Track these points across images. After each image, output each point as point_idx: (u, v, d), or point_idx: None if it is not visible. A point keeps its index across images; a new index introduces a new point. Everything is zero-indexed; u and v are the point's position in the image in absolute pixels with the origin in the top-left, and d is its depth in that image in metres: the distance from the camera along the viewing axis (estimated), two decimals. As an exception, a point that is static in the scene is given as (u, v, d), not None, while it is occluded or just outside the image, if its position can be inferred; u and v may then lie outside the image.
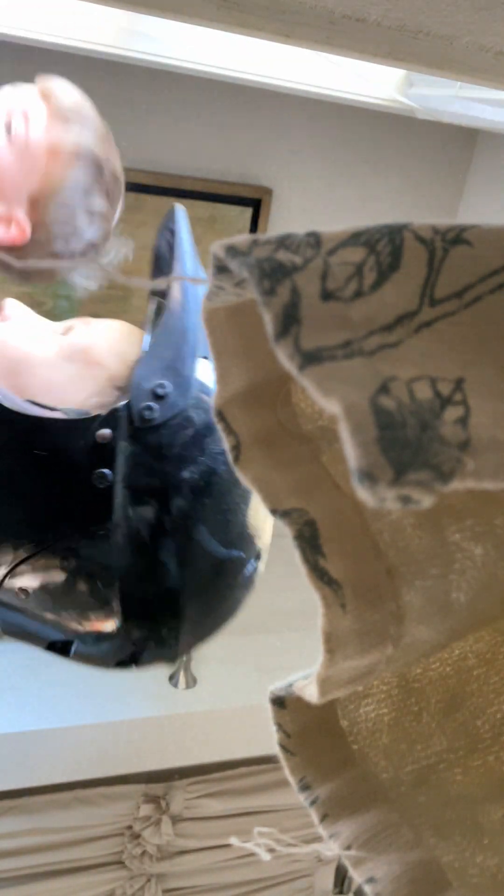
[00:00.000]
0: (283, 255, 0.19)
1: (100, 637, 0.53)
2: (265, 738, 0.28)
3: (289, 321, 0.18)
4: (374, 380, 0.18)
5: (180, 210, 0.58)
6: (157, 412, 0.49)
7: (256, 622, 1.47)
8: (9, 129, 0.80)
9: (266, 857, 0.27)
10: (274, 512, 0.23)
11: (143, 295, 1.63)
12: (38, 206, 0.82)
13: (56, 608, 0.53)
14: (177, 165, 1.74)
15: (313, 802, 0.26)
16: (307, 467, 0.24)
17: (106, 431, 0.48)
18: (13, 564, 0.51)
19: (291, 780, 0.26)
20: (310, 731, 0.27)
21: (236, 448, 0.22)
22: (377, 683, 0.28)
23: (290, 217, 1.83)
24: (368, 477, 0.16)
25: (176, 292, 0.54)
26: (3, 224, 0.83)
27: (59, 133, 0.81)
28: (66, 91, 0.84)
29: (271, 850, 0.27)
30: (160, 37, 1.18)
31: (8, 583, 0.52)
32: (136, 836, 1.42)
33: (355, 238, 0.20)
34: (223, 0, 0.22)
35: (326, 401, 0.17)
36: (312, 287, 0.19)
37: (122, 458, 0.48)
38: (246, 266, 0.19)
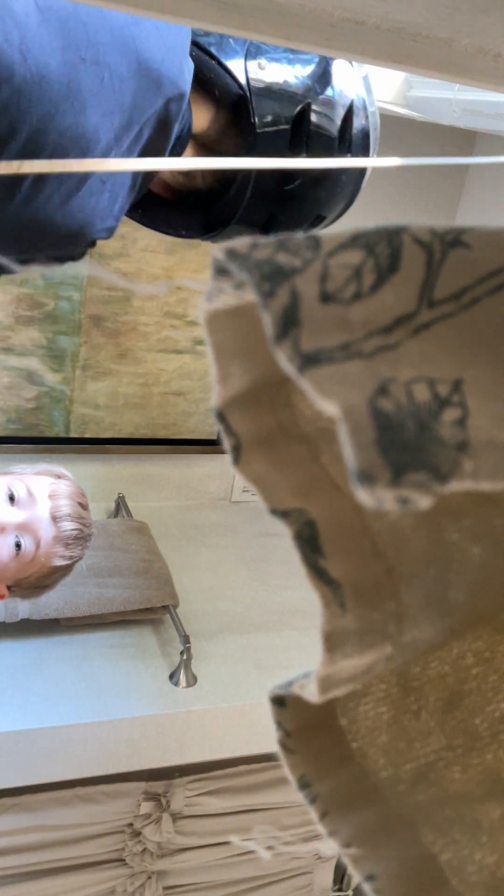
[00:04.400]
0: (282, 258, 0.19)
1: None
2: (265, 737, 0.28)
3: (288, 323, 0.18)
4: (372, 381, 0.18)
5: None
6: None
7: (256, 621, 1.47)
8: (18, 545, 0.98)
9: (266, 855, 0.27)
10: (274, 512, 0.23)
11: (143, 296, 1.63)
12: (20, 583, 1.03)
13: None
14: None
15: (313, 800, 0.26)
16: (307, 468, 0.24)
17: None
18: None
19: (291, 777, 0.27)
20: (309, 729, 0.27)
21: (236, 449, 0.22)
22: (376, 682, 0.28)
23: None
24: (367, 478, 0.16)
25: None
26: None
27: (59, 553, 1.02)
28: (72, 514, 1.02)
29: (271, 849, 0.27)
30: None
31: None
32: (137, 834, 1.43)
33: (354, 240, 0.20)
34: (223, 3, 0.23)
35: (325, 402, 0.17)
36: (312, 289, 0.19)
37: None
38: (245, 268, 0.19)
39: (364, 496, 0.16)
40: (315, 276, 0.19)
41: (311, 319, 0.19)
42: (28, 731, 1.22)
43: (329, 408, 0.17)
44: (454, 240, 0.20)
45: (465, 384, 0.19)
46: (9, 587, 1.02)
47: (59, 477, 1.07)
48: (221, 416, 0.22)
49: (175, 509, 1.79)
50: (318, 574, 0.23)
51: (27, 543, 0.98)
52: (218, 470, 1.83)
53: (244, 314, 0.21)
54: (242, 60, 0.69)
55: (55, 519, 1.00)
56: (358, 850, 0.25)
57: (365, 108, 0.74)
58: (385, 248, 0.20)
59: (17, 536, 0.97)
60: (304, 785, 0.26)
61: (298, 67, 0.70)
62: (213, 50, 0.68)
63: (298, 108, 0.70)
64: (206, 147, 0.74)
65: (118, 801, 1.40)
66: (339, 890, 1.64)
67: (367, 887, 0.25)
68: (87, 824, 1.40)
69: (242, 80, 0.68)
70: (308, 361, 0.18)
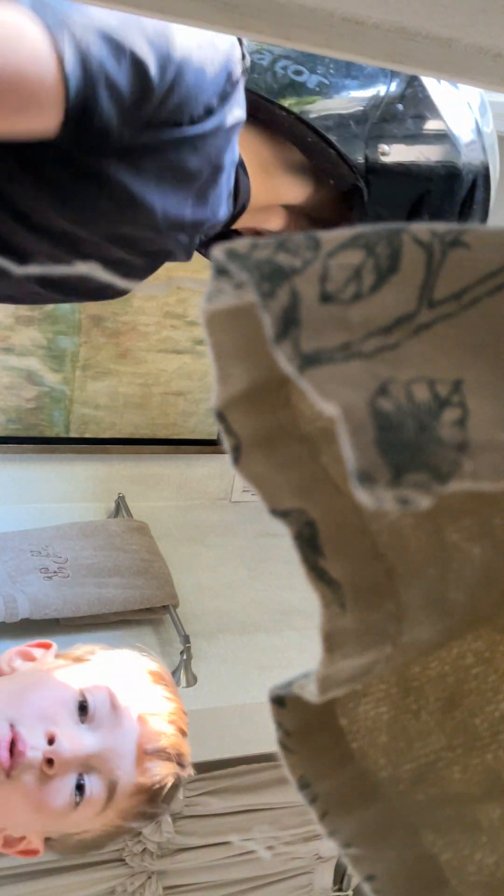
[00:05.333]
0: (282, 258, 0.19)
1: None
2: (265, 737, 0.28)
3: (288, 323, 0.18)
4: (372, 382, 0.18)
5: None
6: None
7: (256, 621, 1.47)
8: (81, 787, 0.62)
9: (266, 855, 0.27)
10: (274, 512, 0.23)
11: (143, 296, 1.63)
12: (66, 839, 0.67)
13: None
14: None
15: (313, 800, 0.26)
16: (307, 468, 0.24)
17: None
18: None
19: (291, 777, 0.27)
20: (309, 729, 0.27)
21: (237, 449, 0.22)
22: (376, 682, 0.28)
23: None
24: (367, 478, 0.16)
25: None
26: (14, 842, 0.66)
27: (139, 809, 0.65)
28: (171, 750, 0.65)
29: (271, 849, 0.27)
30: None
31: None
32: (137, 834, 1.43)
33: (354, 241, 0.20)
34: (223, 3, 0.23)
35: (325, 403, 0.17)
36: (311, 289, 0.19)
37: None
38: (245, 269, 0.19)
39: (364, 496, 0.16)
40: (315, 276, 0.19)
41: (310, 320, 0.19)
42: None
43: (329, 408, 0.17)
44: (454, 240, 0.20)
45: (465, 384, 0.19)
46: (47, 839, 0.67)
47: (159, 679, 0.68)
48: (221, 416, 0.22)
49: (175, 509, 1.78)
50: (318, 574, 0.23)
51: (95, 788, 0.61)
52: (218, 470, 1.83)
53: (244, 314, 0.21)
54: (363, 148, 0.65)
55: (144, 755, 0.63)
56: (358, 850, 0.25)
57: (487, 178, 0.70)
58: (385, 249, 0.20)
59: (80, 776, 0.61)
60: (304, 785, 0.26)
61: (422, 147, 0.67)
62: (331, 136, 0.65)
63: (418, 193, 0.67)
64: (310, 217, 0.71)
65: (118, 800, 1.40)
66: (339, 890, 1.64)
67: (367, 887, 0.25)
68: (88, 824, 1.40)
69: (362, 170, 0.65)
70: (308, 362, 0.18)
